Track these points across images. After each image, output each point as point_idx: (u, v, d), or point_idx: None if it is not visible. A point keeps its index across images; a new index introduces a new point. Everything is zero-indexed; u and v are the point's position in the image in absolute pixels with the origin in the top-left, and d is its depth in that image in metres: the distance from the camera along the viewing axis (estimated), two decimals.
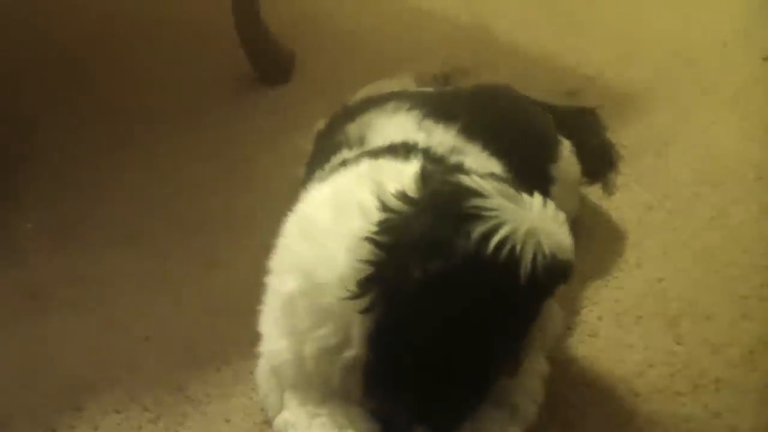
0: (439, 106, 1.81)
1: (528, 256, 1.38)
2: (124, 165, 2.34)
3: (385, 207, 1.43)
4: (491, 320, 1.39)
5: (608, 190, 2.08)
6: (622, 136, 2.24)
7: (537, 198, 1.43)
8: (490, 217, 1.38)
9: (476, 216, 1.39)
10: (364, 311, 1.40)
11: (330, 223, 1.49)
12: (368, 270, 1.40)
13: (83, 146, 2.40)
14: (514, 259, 1.37)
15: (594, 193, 2.09)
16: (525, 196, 1.43)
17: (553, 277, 1.42)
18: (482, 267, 1.37)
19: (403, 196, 1.43)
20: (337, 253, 1.45)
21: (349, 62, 2.67)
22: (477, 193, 1.41)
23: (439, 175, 1.48)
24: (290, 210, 1.63)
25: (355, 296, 1.40)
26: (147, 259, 2.04)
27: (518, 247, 1.37)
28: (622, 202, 2.07)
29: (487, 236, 1.37)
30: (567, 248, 1.43)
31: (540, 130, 1.94)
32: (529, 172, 1.52)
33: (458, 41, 2.74)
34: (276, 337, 1.56)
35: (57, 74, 2.70)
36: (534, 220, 1.40)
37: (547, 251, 1.39)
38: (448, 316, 1.38)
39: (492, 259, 1.37)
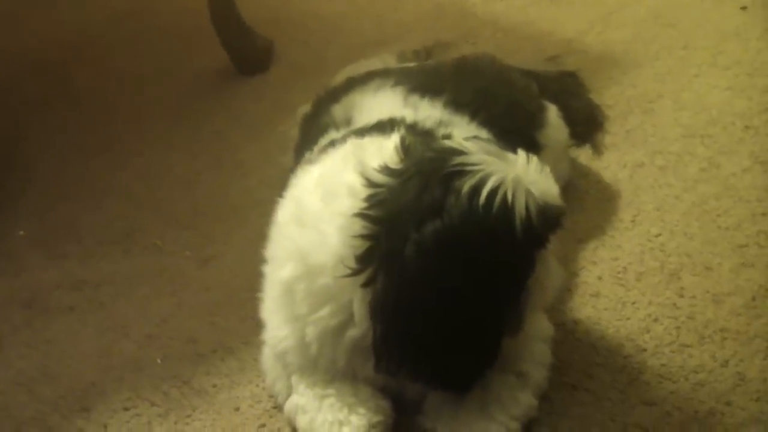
0: (423, 81, 1.80)
1: (521, 203, 1.37)
2: (111, 166, 2.33)
3: (370, 183, 1.43)
4: (492, 273, 1.39)
5: (597, 151, 2.08)
6: (606, 96, 2.24)
7: (520, 153, 1.43)
8: (477, 171, 1.38)
9: (462, 172, 1.38)
10: (366, 284, 1.39)
11: (319, 206, 1.49)
12: (364, 244, 1.40)
13: (68, 151, 2.39)
14: (507, 207, 1.37)
15: (583, 155, 2.09)
16: (508, 152, 1.43)
17: (547, 223, 1.41)
18: (477, 220, 1.37)
19: (386, 169, 1.43)
20: (330, 235, 1.44)
21: (328, 46, 2.66)
22: (459, 152, 1.41)
23: (419, 143, 1.48)
24: (280, 197, 1.62)
25: (355, 272, 1.40)
26: (141, 258, 2.03)
27: (509, 195, 1.37)
28: (612, 161, 2.06)
29: (476, 189, 1.37)
30: (556, 194, 1.43)
31: (525, 97, 1.93)
32: (517, 140, 1.51)
33: (436, 18, 2.74)
34: (278, 324, 1.56)
35: (37, 82, 2.69)
36: (519, 170, 1.40)
37: (538, 196, 1.39)
38: (450, 274, 1.37)
39: (485, 210, 1.36)
